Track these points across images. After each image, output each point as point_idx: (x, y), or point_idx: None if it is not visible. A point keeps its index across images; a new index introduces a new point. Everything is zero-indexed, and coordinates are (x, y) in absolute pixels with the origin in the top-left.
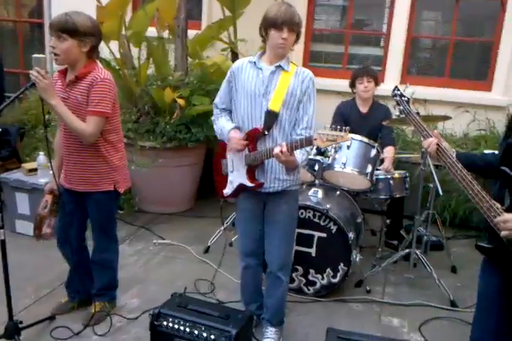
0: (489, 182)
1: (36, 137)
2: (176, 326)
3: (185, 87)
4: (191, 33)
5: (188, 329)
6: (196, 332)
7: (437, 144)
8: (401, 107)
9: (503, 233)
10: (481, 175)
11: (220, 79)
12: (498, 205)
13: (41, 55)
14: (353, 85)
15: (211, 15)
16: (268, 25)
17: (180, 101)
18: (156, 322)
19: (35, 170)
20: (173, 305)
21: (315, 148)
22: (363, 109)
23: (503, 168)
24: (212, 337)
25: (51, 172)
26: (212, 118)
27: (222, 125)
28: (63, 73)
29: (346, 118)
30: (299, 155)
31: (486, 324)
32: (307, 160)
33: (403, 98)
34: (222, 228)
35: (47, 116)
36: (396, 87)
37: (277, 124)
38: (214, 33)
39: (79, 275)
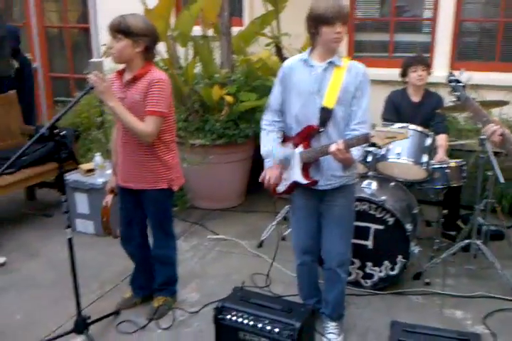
0: None
1: (89, 139)
2: (240, 319)
3: (232, 84)
4: (235, 30)
5: (251, 323)
6: (260, 325)
7: (501, 134)
8: (458, 93)
9: None
10: None
11: (265, 75)
12: None
13: (98, 60)
14: (404, 74)
15: (253, 10)
16: (319, 22)
17: (228, 98)
18: (219, 316)
19: (93, 170)
20: (236, 298)
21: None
22: (415, 97)
23: None
24: (276, 330)
25: (108, 172)
26: (263, 126)
27: (269, 149)
28: (121, 73)
29: (398, 107)
30: (355, 151)
31: None
32: (362, 155)
33: (459, 84)
34: (275, 222)
35: (99, 119)
36: (451, 72)
37: (332, 121)
38: (257, 28)
39: (143, 272)
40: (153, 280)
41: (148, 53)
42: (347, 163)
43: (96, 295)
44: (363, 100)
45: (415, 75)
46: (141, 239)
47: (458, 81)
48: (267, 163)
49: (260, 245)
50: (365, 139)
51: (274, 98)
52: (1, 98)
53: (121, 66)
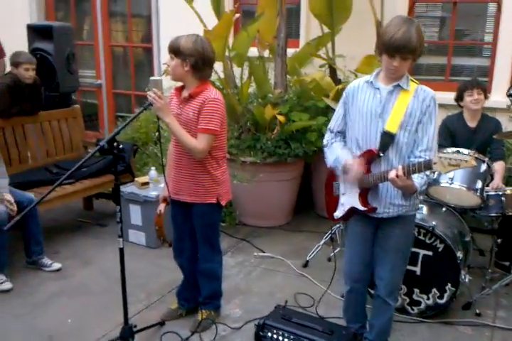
0: None
1: (146, 153)
2: (280, 338)
3: (285, 104)
4: (290, 51)
5: None
6: None
7: None
8: None
9: None
10: None
11: (318, 95)
12: None
13: (158, 78)
14: (460, 98)
15: (309, 32)
16: (381, 48)
17: (280, 118)
18: (261, 333)
19: (147, 183)
20: (277, 316)
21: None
22: (471, 122)
23: None
24: None
25: (161, 185)
26: (324, 142)
27: (338, 153)
28: (179, 90)
29: (453, 133)
30: (417, 179)
31: None
32: (426, 184)
33: None
34: (322, 242)
35: (156, 134)
36: (510, 87)
37: (393, 146)
38: (312, 49)
39: (190, 284)
40: (199, 294)
41: (199, 72)
42: (408, 191)
43: (143, 305)
44: (429, 126)
45: (471, 99)
46: (191, 251)
47: None
48: (341, 161)
49: (305, 265)
50: (427, 166)
51: (335, 120)
52: (67, 112)
53: (179, 83)
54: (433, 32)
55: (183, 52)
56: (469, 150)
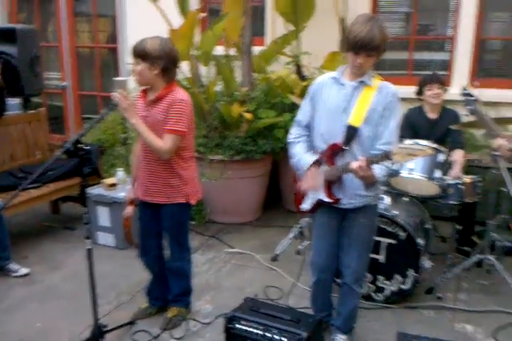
0: None
1: (113, 155)
2: (249, 329)
3: (252, 101)
4: (256, 49)
5: (260, 332)
6: (269, 334)
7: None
8: (470, 107)
9: None
10: None
11: (284, 92)
12: None
13: (123, 78)
14: (420, 92)
15: (275, 30)
16: (347, 46)
17: (247, 115)
18: (230, 325)
19: (115, 185)
20: (246, 308)
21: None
22: (432, 115)
23: None
24: (284, 339)
25: (129, 186)
26: (290, 139)
27: (301, 156)
28: (145, 92)
29: (414, 125)
30: (377, 169)
31: None
32: (387, 175)
33: (471, 98)
34: (291, 236)
35: (123, 135)
36: (464, 87)
37: (357, 139)
38: (278, 47)
39: (158, 283)
40: (169, 292)
41: (168, 74)
42: (369, 181)
43: (113, 306)
44: (390, 120)
45: (430, 93)
46: (157, 250)
47: (470, 95)
48: (304, 166)
49: (275, 259)
50: (386, 156)
51: (302, 114)
52: (32, 115)
53: None
54: (398, 27)
55: (151, 56)
56: (427, 142)
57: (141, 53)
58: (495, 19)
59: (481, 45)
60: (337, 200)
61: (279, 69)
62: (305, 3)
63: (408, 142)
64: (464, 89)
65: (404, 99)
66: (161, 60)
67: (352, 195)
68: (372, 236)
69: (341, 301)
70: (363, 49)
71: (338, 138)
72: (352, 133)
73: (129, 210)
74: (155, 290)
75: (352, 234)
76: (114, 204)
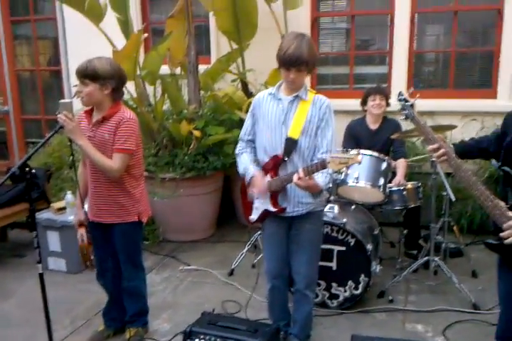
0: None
1: (61, 178)
2: None
3: (200, 119)
4: (202, 68)
5: None
6: None
7: (447, 153)
8: (406, 112)
9: (508, 240)
10: (478, 158)
11: (232, 109)
12: (502, 204)
13: (68, 100)
14: (364, 103)
15: (219, 48)
16: (278, 62)
17: (196, 133)
18: (188, 340)
19: (64, 208)
20: (204, 322)
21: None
22: (373, 125)
23: (505, 168)
24: None
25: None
26: (236, 152)
27: (247, 165)
28: (89, 113)
29: (356, 136)
30: (321, 178)
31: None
32: (331, 182)
33: (407, 103)
34: (245, 250)
35: (70, 158)
36: (400, 92)
37: (297, 151)
38: (223, 65)
39: (115, 304)
40: (125, 313)
41: (117, 94)
42: (313, 190)
43: (68, 331)
44: (327, 131)
45: (373, 104)
46: (114, 271)
47: (406, 100)
48: (249, 175)
49: (231, 273)
50: (322, 165)
51: (245, 129)
52: None
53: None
54: (339, 43)
55: (102, 76)
56: (370, 151)
57: (91, 74)
58: (428, 33)
59: (415, 58)
60: (282, 209)
61: (226, 86)
62: (247, 22)
63: (339, 150)
64: (400, 94)
65: (346, 112)
66: (112, 80)
67: (296, 203)
68: (320, 241)
69: (295, 308)
70: (292, 65)
71: (279, 150)
72: (291, 145)
73: (83, 232)
74: (111, 311)
75: (299, 240)
76: (64, 229)
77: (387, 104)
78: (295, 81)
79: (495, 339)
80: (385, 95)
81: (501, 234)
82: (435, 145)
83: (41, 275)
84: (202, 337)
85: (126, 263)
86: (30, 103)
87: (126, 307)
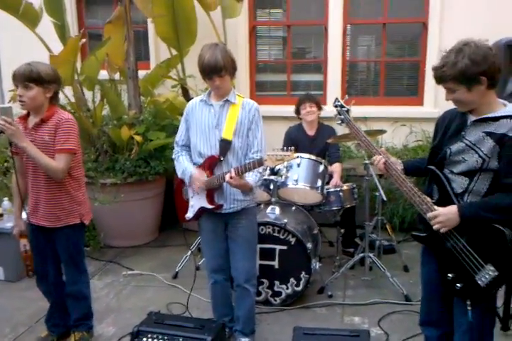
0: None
1: None
2: (156, 340)
3: (141, 124)
4: (141, 73)
5: None
6: None
7: (385, 159)
8: (342, 116)
9: (435, 227)
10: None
11: (173, 114)
12: (429, 199)
13: (8, 105)
14: (297, 112)
15: (159, 54)
16: (200, 73)
17: (137, 138)
18: (136, 340)
19: (1, 215)
20: (151, 322)
21: (268, 168)
22: (310, 131)
23: (430, 166)
24: None
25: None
26: (173, 156)
27: (185, 166)
28: (24, 119)
29: (295, 142)
30: (252, 177)
31: (430, 305)
32: (261, 180)
33: (343, 108)
34: (189, 253)
35: (5, 165)
36: (336, 98)
37: (231, 151)
38: (163, 71)
39: (58, 310)
40: (69, 318)
41: (55, 97)
42: (244, 189)
43: (9, 339)
44: (257, 131)
45: (305, 112)
46: (55, 276)
47: (342, 106)
48: (187, 174)
49: (175, 276)
50: (259, 163)
51: (179, 135)
52: None
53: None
54: (277, 50)
55: (45, 80)
56: (308, 155)
57: (35, 77)
58: (360, 43)
59: (349, 67)
60: (219, 206)
61: (166, 92)
62: (186, 30)
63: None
64: (336, 100)
65: (284, 118)
66: (54, 84)
67: (232, 200)
68: (255, 236)
69: (237, 304)
70: (212, 72)
71: (214, 151)
72: (226, 145)
73: (24, 243)
74: (54, 317)
75: (235, 235)
76: (1, 236)
77: (320, 109)
78: (220, 87)
79: (419, 325)
80: (315, 102)
81: (430, 221)
82: (378, 157)
83: None
84: (150, 335)
85: (69, 267)
86: None
87: (70, 312)
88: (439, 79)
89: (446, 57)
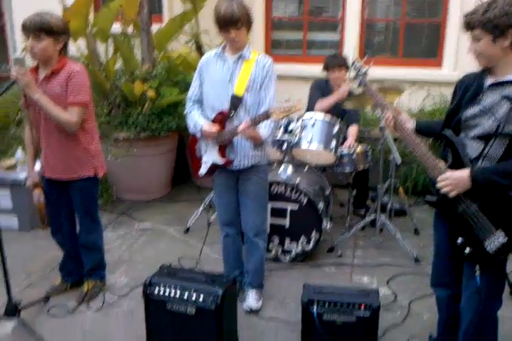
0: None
1: (7, 136)
2: (167, 292)
3: (154, 79)
4: (155, 27)
5: (178, 294)
6: (186, 295)
7: (394, 117)
8: (359, 79)
9: (444, 190)
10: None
11: (186, 70)
12: (442, 164)
13: (21, 56)
14: (326, 70)
15: (172, 8)
16: (217, 26)
17: (150, 93)
18: (148, 291)
19: (14, 166)
20: (163, 274)
21: (282, 128)
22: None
23: (445, 131)
24: (201, 298)
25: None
26: (185, 111)
27: (196, 120)
28: (34, 71)
29: (323, 94)
30: (264, 131)
31: (441, 267)
32: (272, 135)
33: (361, 70)
34: (201, 208)
35: (18, 116)
36: (355, 59)
37: (242, 107)
38: (177, 26)
39: (72, 259)
40: (82, 267)
41: (65, 49)
42: (256, 141)
43: (25, 285)
44: (269, 88)
45: (334, 77)
46: (69, 227)
47: (360, 68)
48: (199, 126)
49: (187, 231)
50: (265, 115)
51: (192, 90)
52: None
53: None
54: (293, 8)
55: (56, 31)
56: (323, 114)
57: (46, 28)
58: (379, 2)
59: (366, 27)
60: (230, 162)
61: (179, 47)
62: None
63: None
64: (355, 62)
65: (300, 78)
66: (64, 35)
67: (243, 156)
68: (266, 193)
69: (247, 257)
70: (228, 24)
71: (226, 107)
72: (237, 101)
73: (38, 194)
74: (68, 265)
75: (246, 191)
76: (15, 186)
77: (348, 69)
78: (236, 40)
79: (430, 286)
80: (345, 65)
81: (436, 186)
82: (390, 115)
83: None
84: (162, 286)
85: (84, 218)
86: None
87: (83, 262)
88: (468, 25)
89: (480, 5)
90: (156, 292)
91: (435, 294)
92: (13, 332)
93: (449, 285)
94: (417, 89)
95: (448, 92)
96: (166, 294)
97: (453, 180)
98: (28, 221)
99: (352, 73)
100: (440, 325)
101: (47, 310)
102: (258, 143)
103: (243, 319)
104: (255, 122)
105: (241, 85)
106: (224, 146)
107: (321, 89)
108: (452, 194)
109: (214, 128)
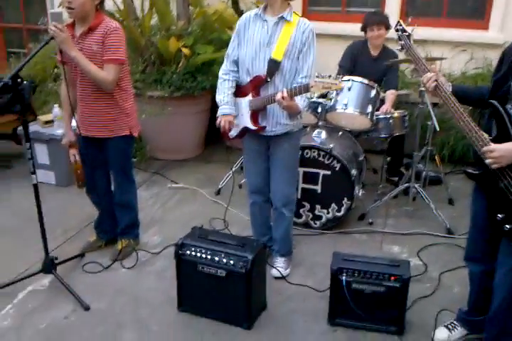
0: (479, 116)
1: (45, 91)
2: (199, 254)
3: (189, 36)
4: None
5: (209, 257)
6: (217, 258)
7: (435, 80)
8: (402, 42)
9: (487, 161)
10: (476, 106)
11: (221, 27)
12: (486, 135)
13: (58, 10)
14: (364, 30)
15: None
16: None
17: (185, 51)
18: (180, 252)
19: (51, 122)
20: (195, 236)
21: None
22: (374, 52)
23: (492, 101)
24: (232, 262)
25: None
26: (220, 74)
27: (223, 98)
28: (71, 27)
29: (356, 59)
30: (300, 101)
31: (477, 242)
32: (308, 106)
33: (404, 33)
34: (231, 171)
35: (55, 71)
36: (399, 21)
37: (279, 72)
38: None
39: (107, 217)
40: (117, 226)
41: (102, 4)
42: (292, 111)
43: (61, 241)
44: (308, 56)
45: (371, 35)
46: (105, 186)
47: (404, 30)
48: (221, 110)
49: (218, 193)
50: (305, 88)
51: (231, 49)
52: None
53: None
54: None
55: None
56: (361, 78)
57: None
58: None
59: None
60: (262, 128)
61: (216, 3)
62: None
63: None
64: (398, 24)
65: (338, 36)
66: None
67: (275, 124)
68: (296, 162)
69: (275, 226)
70: None
71: (262, 71)
72: (274, 66)
73: (74, 153)
74: (103, 223)
75: (276, 159)
76: (52, 141)
77: (388, 29)
78: None
79: (464, 260)
80: (385, 23)
81: (483, 156)
82: (432, 77)
83: (35, 186)
84: (193, 248)
85: (119, 177)
86: (10, 12)
87: (118, 220)
88: None
89: None
90: (187, 253)
91: (468, 268)
92: (49, 286)
93: (483, 261)
94: (460, 51)
95: (492, 56)
96: (198, 256)
97: (498, 151)
98: (64, 176)
99: (395, 35)
100: (471, 298)
101: (82, 266)
102: (295, 112)
103: (272, 284)
104: (294, 93)
105: (280, 49)
106: (257, 112)
107: (353, 54)
108: (495, 166)
109: (230, 124)
